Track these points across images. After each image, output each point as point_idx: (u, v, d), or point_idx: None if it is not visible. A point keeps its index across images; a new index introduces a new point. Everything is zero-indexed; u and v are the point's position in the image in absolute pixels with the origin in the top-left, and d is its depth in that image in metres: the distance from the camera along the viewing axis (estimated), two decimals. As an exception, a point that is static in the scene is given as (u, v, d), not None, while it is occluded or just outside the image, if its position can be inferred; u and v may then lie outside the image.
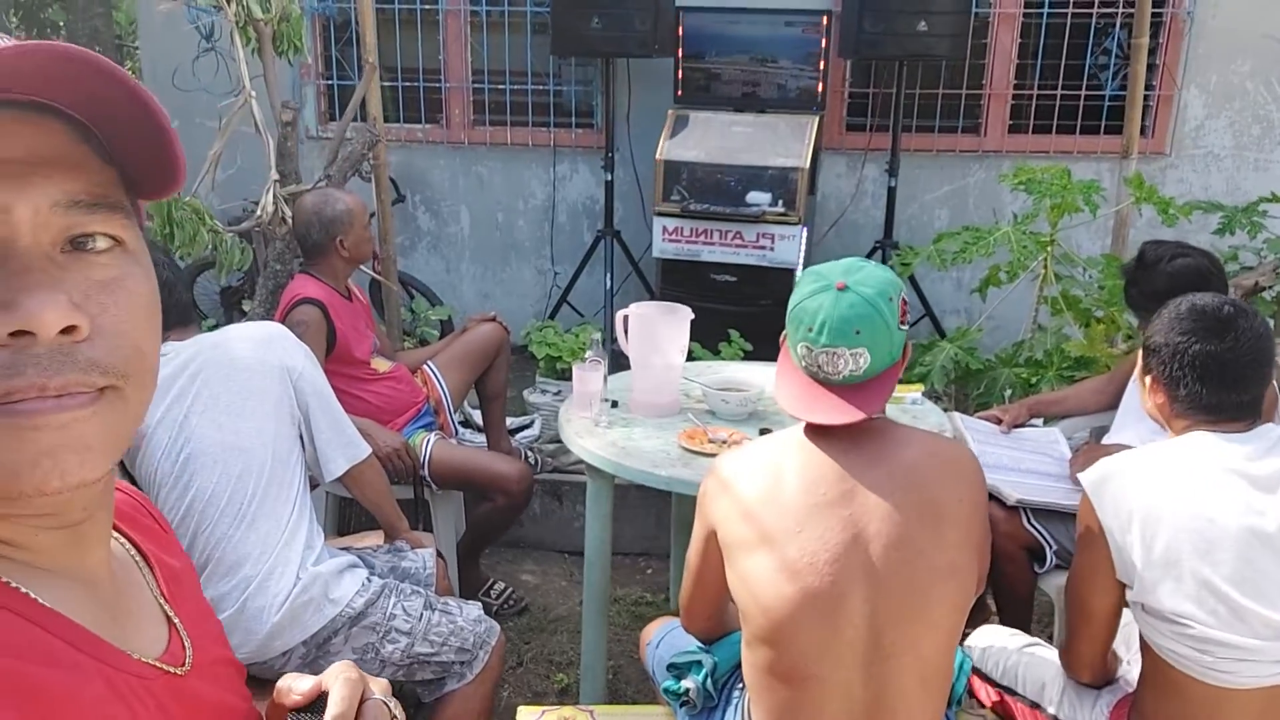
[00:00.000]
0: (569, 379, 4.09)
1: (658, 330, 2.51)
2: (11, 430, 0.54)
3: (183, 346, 2.01)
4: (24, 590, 0.59)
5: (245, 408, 1.95)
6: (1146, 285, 2.48)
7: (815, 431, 1.57)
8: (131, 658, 0.63)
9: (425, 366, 3.13)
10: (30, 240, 0.55)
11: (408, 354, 3.26)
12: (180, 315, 2.10)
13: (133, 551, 0.73)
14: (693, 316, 2.53)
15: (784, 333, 1.62)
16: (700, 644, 1.87)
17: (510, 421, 3.77)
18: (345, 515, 3.04)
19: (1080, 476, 1.73)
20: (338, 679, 0.66)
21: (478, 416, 3.49)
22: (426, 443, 2.81)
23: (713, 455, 2.26)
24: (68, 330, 0.55)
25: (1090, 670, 1.81)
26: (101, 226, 0.58)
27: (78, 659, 0.59)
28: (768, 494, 1.53)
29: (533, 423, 3.85)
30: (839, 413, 1.53)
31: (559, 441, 3.78)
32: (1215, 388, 1.68)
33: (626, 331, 2.53)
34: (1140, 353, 1.83)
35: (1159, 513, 1.59)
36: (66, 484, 0.56)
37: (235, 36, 2.96)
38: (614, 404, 2.55)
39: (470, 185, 5.15)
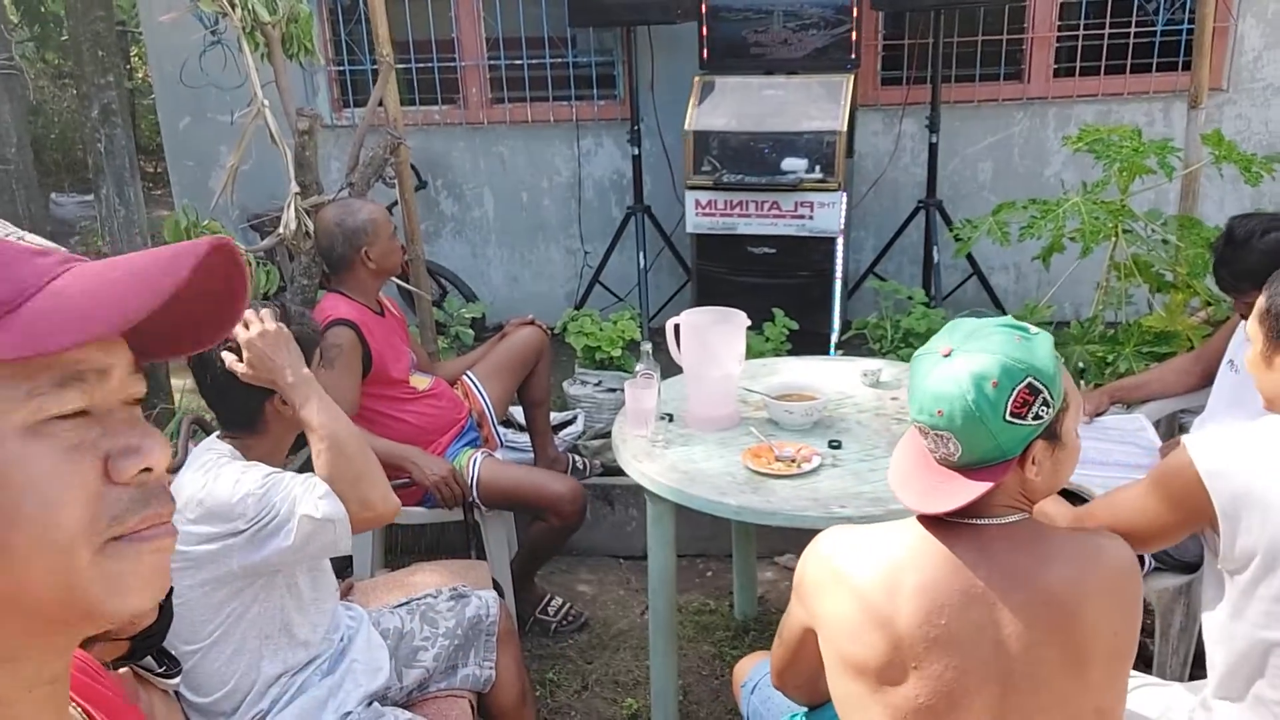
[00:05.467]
0: (609, 368, 3.96)
1: (711, 339, 2.35)
2: (137, 555, 0.62)
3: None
4: None
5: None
6: (1238, 264, 2.28)
7: (939, 530, 1.31)
8: None
9: (465, 377, 2.99)
10: (123, 396, 0.63)
11: (445, 365, 3.12)
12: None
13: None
14: (749, 324, 2.37)
15: None
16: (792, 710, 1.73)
17: (552, 418, 3.64)
18: (392, 539, 2.94)
19: (1190, 446, 1.50)
20: None
21: (519, 414, 3.36)
22: (474, 464, 2.68)
23: (782, 476, 2.12)
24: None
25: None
26: (143, 389, 0.66)
27: None
28: (879, 615, 1.28)
29: (575, 418, 3.72)
30: (926, 500, 1.31)
31: (604, 437, 3.66)
32: None
33: (679, 342, 2.37)
34: (1259, 331, 1.65)
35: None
36: (153, 603, 0.63)
37: (243, 43, 2.79)
38: (670, 418, 2.41)
39: (492, 166, 4.97)
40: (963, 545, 1.29)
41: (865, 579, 1.31)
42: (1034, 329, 1.31)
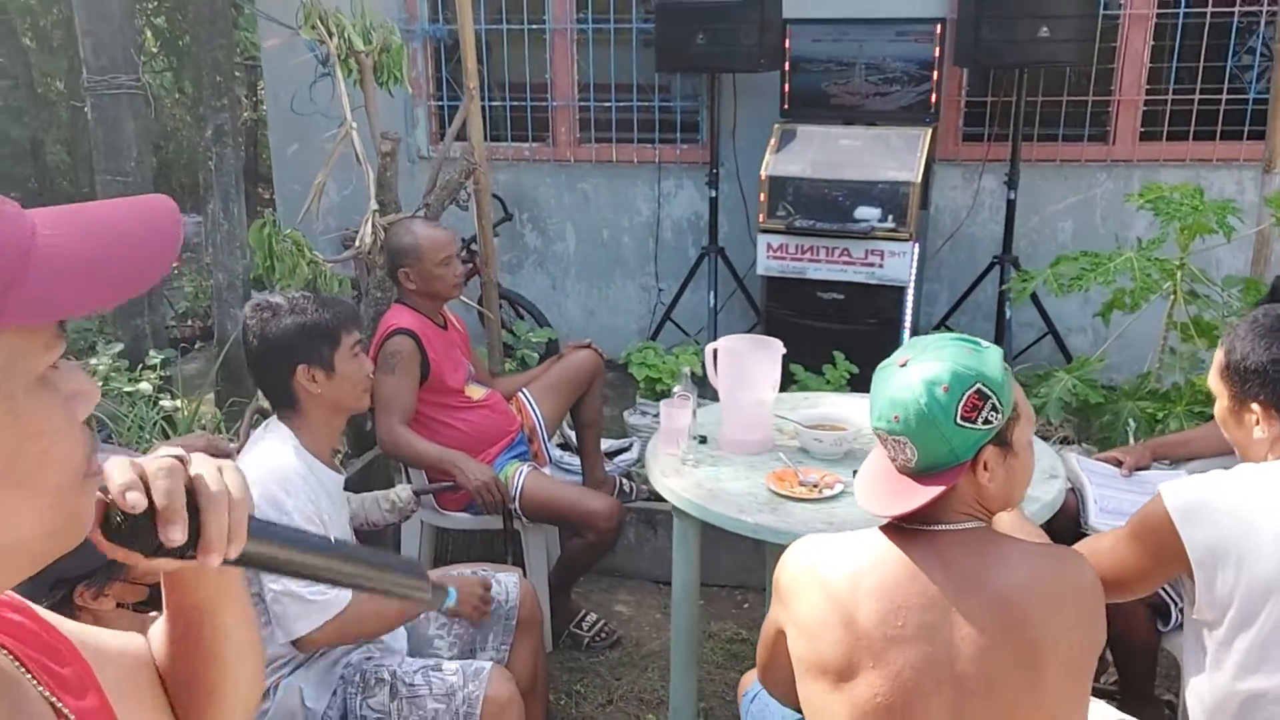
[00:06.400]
0: (670, 400, 4.05)
1: (747, 365, 2.43)
2: (91, 490, 0.66)
3: None
4: None
5: None
6: (1284, 322, 2.26)
7: (900, 537, 1.39)
8: None
9: (520, 394, 3.12)
10: None
11: (503, 380, 3.25)
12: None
13: (8, 656, 0.74)
14: (784, 351, 2.44)
15: None
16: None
17: (610, 444, 3.74)
18: (442, 548, 3.06)
19: (1165, 491, 1.56)
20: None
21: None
22: (519, 475, 2.80)
23: (802, 500, 2.17)
24: None
25: None
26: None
27: None
28: (843, 614, 1.35)
29: (631, 445, 3.81)
30: (886, 505, 1.39)
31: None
32: None
33: (716, 366, 2.45)
34: (1223, 387, 1.66)
35: (1256, 547, 1.47)
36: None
37: (337, 69, 3.01)
38: (703, 440, 2.48)
39: (576, 202, 5.15)
40: (920, 551, 1.35)
41: (833, 580, 1.38)
42: (985, 343, 1.40)
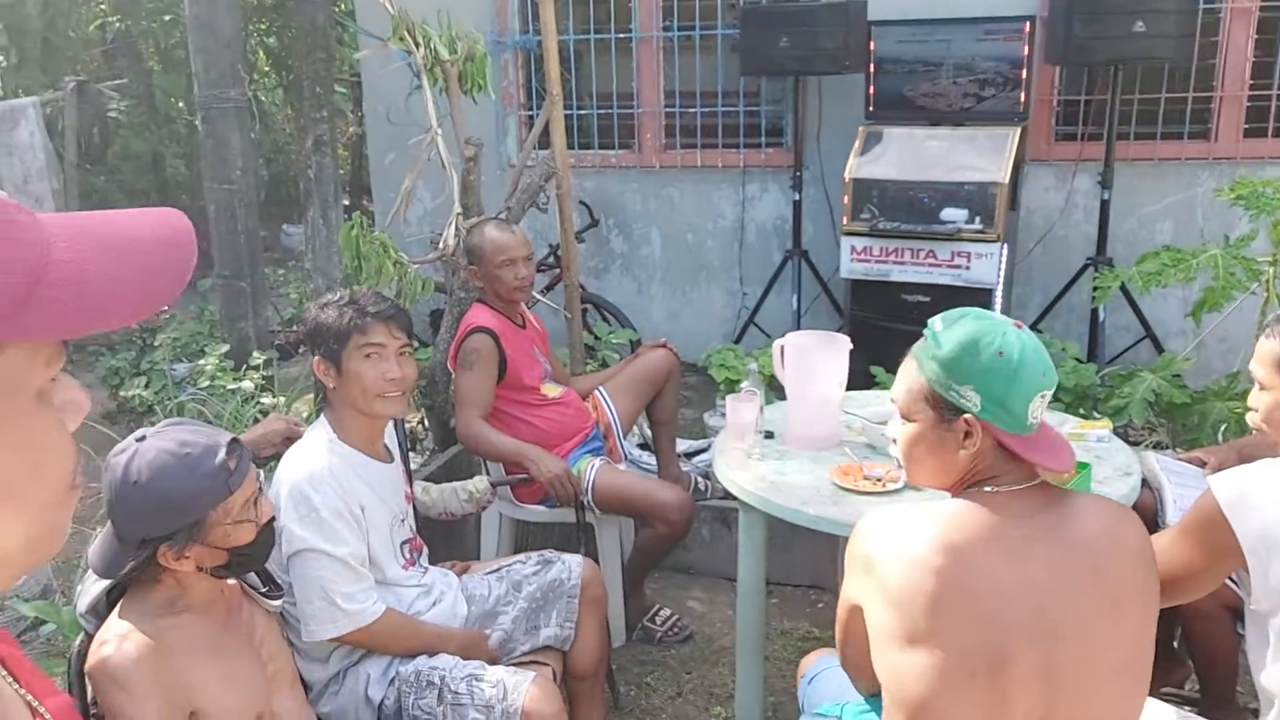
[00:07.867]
0: (750, 403, 4.06)
1: (813, 361, 2.44)
2: (72, 504, 0.65)
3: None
4: None
5: None
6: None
7: (972, 500, 1.41)
8: None
9: (596, 392, 3.18)
10: None
11: (581, 379, 3.32)
12: None
13: None
14: (850, 347, 2.44)
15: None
16: (837, 700, 1.79)
17: (688, 444, 3.78)
18: (521, 539, 3.14)
19: (1214, 482, 1.55)
20: None
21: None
22: (591, 468, 2.86)
23: (866, 493, 2.17)
24: None
25: None
26: None
27: None
28: (920, 582, 1.34)
29: (709, 446, 3.84)
30: (1057, 456, 1.42)
31: (736, 466, 3.76)
32: None
33: (784, 362, 2.47)
34: (1276, 378, 1.63)
35: None
36: None
37: (424, 77, 3.13)
38: (769, 435, 2.50)
39: (661, 207, 5.21)
40: (995, 509, 1.38)
41: (906, 553, 1.37)
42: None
